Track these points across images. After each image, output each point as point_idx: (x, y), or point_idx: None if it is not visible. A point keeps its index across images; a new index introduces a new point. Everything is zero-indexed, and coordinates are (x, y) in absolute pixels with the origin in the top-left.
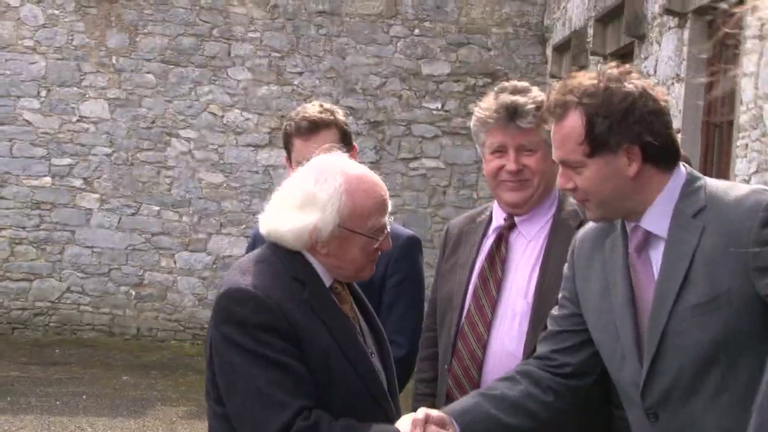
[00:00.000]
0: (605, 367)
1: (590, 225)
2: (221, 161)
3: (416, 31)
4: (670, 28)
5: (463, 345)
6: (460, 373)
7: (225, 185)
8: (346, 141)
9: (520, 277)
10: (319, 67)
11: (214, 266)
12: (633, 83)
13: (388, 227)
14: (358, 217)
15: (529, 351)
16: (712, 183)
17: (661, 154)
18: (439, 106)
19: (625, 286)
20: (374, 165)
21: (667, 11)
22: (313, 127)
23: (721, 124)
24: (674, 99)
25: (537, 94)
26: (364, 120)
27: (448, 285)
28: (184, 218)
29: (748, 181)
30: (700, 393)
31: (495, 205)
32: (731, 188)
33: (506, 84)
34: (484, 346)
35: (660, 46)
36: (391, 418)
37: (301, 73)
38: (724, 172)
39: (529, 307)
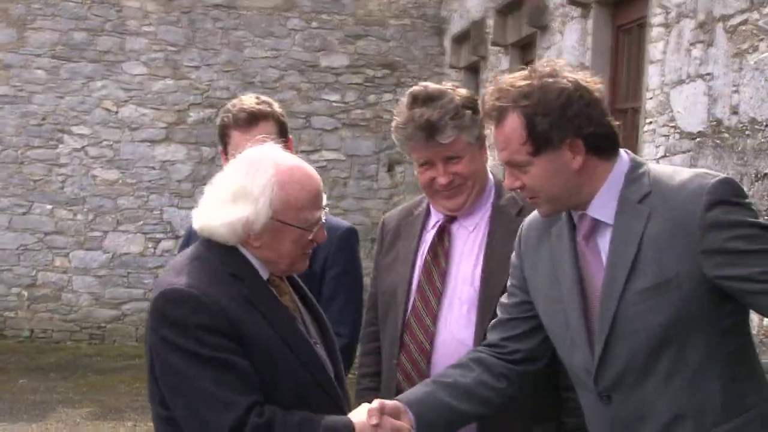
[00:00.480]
0: (554, 350)
1: (535, 213)
2: (116, 157)
3: (313, 23)
4: (573, 18)
5: (411, 338)
6: (409, 367)
7: (121, 182)
8: (282, 133)
9: (464, 266)
10: (217, 60)
11: (111, 264)
12: (566, 77)
13: (323, 219)
14: (291, 210)
15: (480, 337)
16: (656, 168)
17: (603, 143)
18: (339, 98)
19: (574, 273)
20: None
21: (571, 1)
22: (252, 119)
23: (626, 110)
24: None
25: (447, 97)
26: None
27: (389, 279)
28: (79, 216)
29: None
30: (653, 375)
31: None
32: (675, 173)
33: (416, 91)
34: (432, 338)
35: (563, 36)
36: (340, 405)
37: (198, 67)
38: None
39: (476, 294)
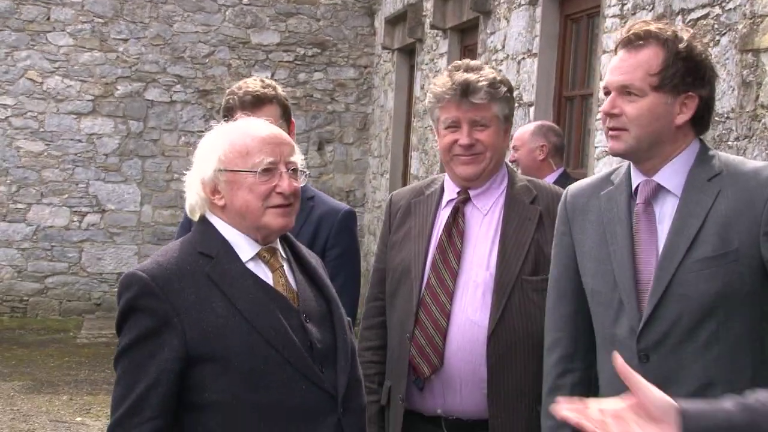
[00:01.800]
0: None
1: (579, 182)
2: (41, 129)
3: (245, 0)
4: (520, 5)
5: (426, 315)
6: (424, 342)
7: (46, 154)
8: (286, 116)
9: (480, 250)
10: (145, 34)
11: (35, 237)
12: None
13: (289, 170)
14: (238, 156)
15: (494, 321)
16: (725, 155)
17: (705, 116)
18: (269, 75)
19: (627, 236)
20: (203, 133)
21: None
22: (257, 102)
23: (574, 96)
24: (526, 74)
25: (488, 71)
26: (192, 89)
27: (401, 255)
28: (1, 188)
29: (607, 152)
30: (693, 341)
31: (445, 178)
32: (745, 161)
33: (459, 62)
34: (448, 316)
35: (509, 22)
36: (318, 383)
37: (126, 40)
38: (576, 144)
39: (491, 278)
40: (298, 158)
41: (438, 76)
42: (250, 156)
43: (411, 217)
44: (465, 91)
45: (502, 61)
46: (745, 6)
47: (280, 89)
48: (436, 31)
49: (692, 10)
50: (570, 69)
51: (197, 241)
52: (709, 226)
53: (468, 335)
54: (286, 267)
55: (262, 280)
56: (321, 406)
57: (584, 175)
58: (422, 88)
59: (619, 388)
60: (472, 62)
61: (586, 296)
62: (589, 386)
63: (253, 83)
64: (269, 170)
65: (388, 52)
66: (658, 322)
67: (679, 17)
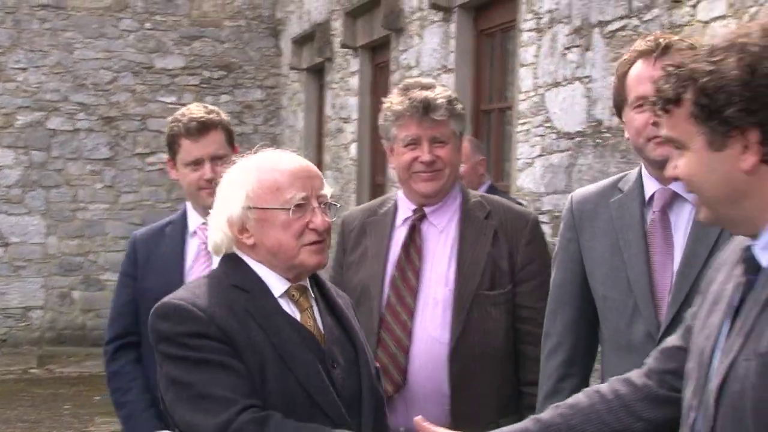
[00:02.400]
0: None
1: (583, 189)
2: None
3: (147, 24)
4: (433, 22)
5: (388, 334)
6: (387, 361)
7: None
8: (230, 141)
9: (438, 266)
10: (45, 62)
11: None
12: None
13: (319, 204)
14: (268, 193)
15: (454, 337)
16: None
17: None
18: (175, 99)
19: (641, 244)
20: (109, 161)
21: (433, 5)
22: (202, 128)
23: (491, 110)
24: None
25: (442, 89)
26: (96, 116)
27: (358, 276)
28: None
29: (531, 164)
30: None
31: (399, 195)
32: None
33: (411, 81)
34: (410, 333)
35: (422, 39)
36: (349, 428)
37: (25, 69)
38: (496, 156)
39: (450, 294)
40: (328, 191)
41: (391, 95)
42: (280, 192)
43: (366, 237)
44: (426, 108)
45: (417, 77)
46: (663, 17)
47: (224, 114)
48: (346, 49)
49: (610, 22)
50: (487, 83)
51: (229, 275)
52: (727, 233)
53: (430, 352)
54: (314, 307)
55: (293, 318)
56: None
57: (507, 188)
58: (333, 107)
59: None
60: (424, 80)
61: (589, 303)
62: None
63: (197, 109)
64: (301, 206)
65: (296, 72)
66: (679, 326)
67: (597, 29)
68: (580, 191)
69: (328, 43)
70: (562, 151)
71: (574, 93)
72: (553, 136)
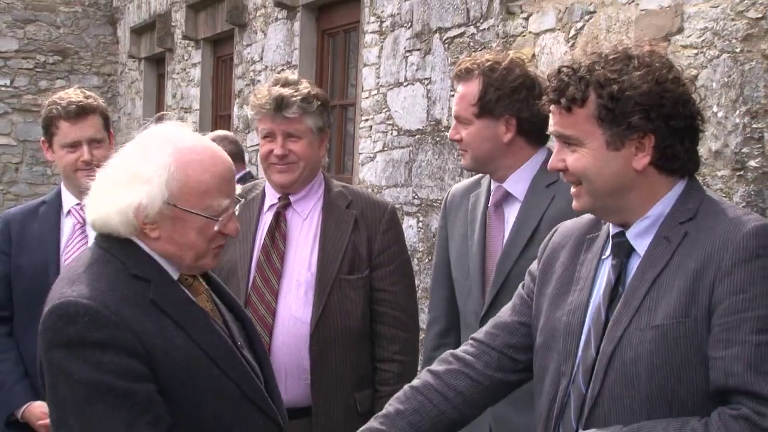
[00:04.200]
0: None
1: (460, 183)
2: None
3: None
4: (277, 19)
5: (253, 312)
6: None
7: None
8: (106, 126)
9: (301, 251)
10: None
11: None
12: (529, 70)
13: (235, 209)
14: (192, 194)
15: (316, 316)
16: None
17: (533, 131)
18: (8, 82)
19: (480, 234)
20: None
21: (277, 3)
22: (81, 111)
23: (334, 107)
24: None
25: (305, 86)
26: None
27: (226, 256)
28: None
29: (373, 158)
30: None
31: (266, 183)
32: None
33: (279, 77)
34: (274, 313)
35: (266, 35)
36: (275, 420)
37: None
38: (338, 150)
39: (313, 277)
40: (238, 190)
41: (259, 89)
42: (206, 196)
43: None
44: (279, 105)
45: (260, 71)
46: (497, 27)
47: (101, 100)
48: (188, 41)
49: (449, 29)
50: (329, 80)
51: (124, 262)
52: (542, 227)
53: (292, 331)
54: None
55: (200, 306)
56: None
57: (349, 180)
58: (174, 96)
59: None
60: (291, 77)
61: None
62: None
63: (75, 94)
64: (221, 213)
65: (134, 61)
66: (498, 307)
67: (437, 35)
68: (457, 185)
69: (169, 34)
70: (402, 148)
71: (415, 93)
72: (395, 133)
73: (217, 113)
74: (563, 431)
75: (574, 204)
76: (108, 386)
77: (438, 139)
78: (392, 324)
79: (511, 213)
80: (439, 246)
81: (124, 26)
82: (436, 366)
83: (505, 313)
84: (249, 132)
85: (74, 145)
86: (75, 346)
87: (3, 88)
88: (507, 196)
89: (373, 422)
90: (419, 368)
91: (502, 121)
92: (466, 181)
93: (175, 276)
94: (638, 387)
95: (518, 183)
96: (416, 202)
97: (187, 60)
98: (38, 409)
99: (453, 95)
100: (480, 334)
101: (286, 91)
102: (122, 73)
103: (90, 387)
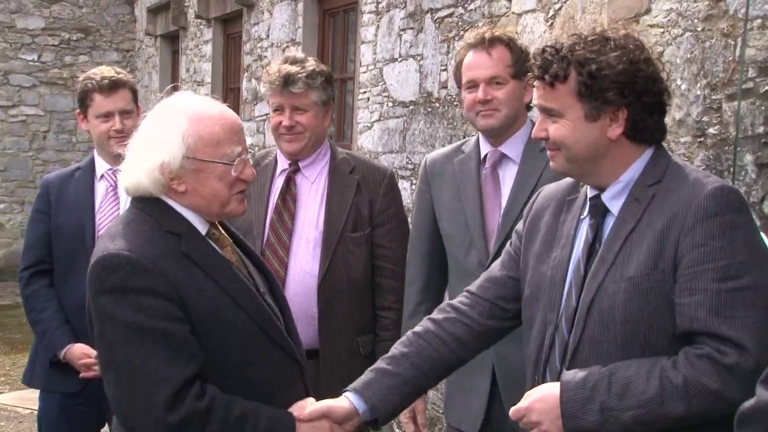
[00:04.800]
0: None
1: (435, 152)
2: None
3: None
4: (282, 0)
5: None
6: None
7: None
8: (135, 99)
9: (310, 212)
10: None
11: None
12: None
13: (247, 156)
14: (208, 145)
15: (323, 270)
16: None
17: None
18: (35, 57)
19: (476, 194)
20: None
21: None
22: (113, 86)
23: (335, 80)
24: None
25: (311, 64)
26: None
27: (243, 217)
28: None
29: (370, 127)
30: None
31: (278, 151)
32: None
33: (288, 55)
34: (286, 267)
35: (272, 15)
36: (295, 357)
37: None
38: (339, 121)
39: (320, 236)
40: (249, 141)
41: (270, 66)
42: (220, 146)
43: (252, 184)
44: (286, 81)
45: (267, 48)
46: (483, 8)
47: (130, 76)
48: (200, 20)
49: (439, 9)
50: (330, 56)
51: (159, 221)
52: (541, 185)
53: (302, 283)
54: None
55: (226, 258)
56: (294, 376)
57: (349, 147)
58: (187, 71)
59: None
60: (298, 55)
61: (439, 240)
62: None
63: (107, 70)
64: (236, 158)
65: (151, 38)
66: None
67: (428, 15)
68: (432, 154)
69: (182, 14)
70: (397, 117)
71: (408, 68)
72: (390, 104)
73: (227, 86)
74: (550, 373)
75: (551, 164)
76: (149, 327)
77: (429, 110)
78: (391, 276)
79: (507, 173)
80: (421, 207)
81: (141, 6)
82: (435, 315)
83: (495, 268)
84: (257, 103)
85: (107, 116)
86: (118, 292)
87: (31, 63)
88: (502, 159)
89: (380, 363)
90: (405, 320)
91: (528, 87)
92: (442, 149)
93: (203, 231)
94: (614, 332)
95: (515, 147)
96: (410, 166)
97: (199, 37)
98: (79, 350)
99: (444, 69)
100: (473, 287)
101: (293, 69)
102: (139, 50)
103: (132, 328)
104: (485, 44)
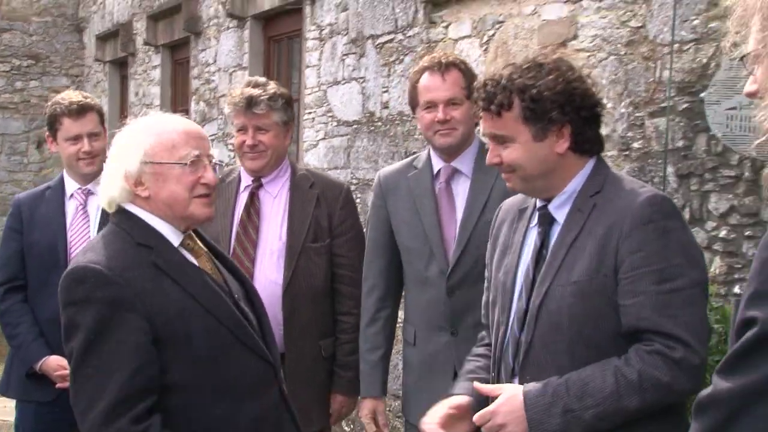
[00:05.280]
0: None
1: (387, 168)
2: None
3: None
4: (228, 28)
5: None
6: None
7: None
8: (102, 121)
9: (273, 225)
10: None
11: None
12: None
13: (212, 161)
14: (164, 149)
15: (287, 279)
16: None
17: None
18: None
19: (433, 207)
20: None
21: (229, 15)
22: (81, 110)
23: None
24: (238, 83)
25: (272, 87)
26: None
27: (210, 230)
28: None
29: (316, 145)
30: (480, 281)
31: (241, 168)
32: None
33: (251, 79)
34: (252, 276)
35: (219, 41)
36: (265, 357)
37: None
38: None
39: (283, 246)
40: (215, 153)
41: (234, 90)
42: (176, 149)
43: (216, 199)
44: (249, 103)
45: (214, 72)
46: (422, 34)
47: (97, 101)
48: (148, 46)
49: (380, 35)
50: (274, 79)
51: (131, 233)
52: (493, 197)
53: (267, 291)
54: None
55: (198, 267)
56: (267, 378)
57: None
58: (136, 94)
59: (422, 314)
60: (260, 79)
61: (395, 253)
62: (395, 320)
63: (75, 95)
64: (194, 162)
65: (99, 64)
66: (461, 268)
67: (370, 41)
68: (385, 170)
69: (131, 41)
70: (342, 136)
71: (351, 90)
72: (335, 123)
73: (176, 108)
74: (504, 370)
75: (508, 185)
76: (107, 338)
77: (372, 128)
78: (349, 283)
79: (460, 187)
80: (377, 221)
81: (90, 34)
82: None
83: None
84: (205, 124)
85: (76, 138)
86: (83, 302)
87: None
88: (454, 174)
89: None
90: (363, 328)
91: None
92: (394, 165)
93: (176, 242)
94: (562, 333)
95: (466, 163)
96: (354, 181)
97: (147, 63)
98: (54, 362)
99: (385, 91)
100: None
101: (256, 92)
102: (89, 75)
103: (91, 338)
104: (441, 68)
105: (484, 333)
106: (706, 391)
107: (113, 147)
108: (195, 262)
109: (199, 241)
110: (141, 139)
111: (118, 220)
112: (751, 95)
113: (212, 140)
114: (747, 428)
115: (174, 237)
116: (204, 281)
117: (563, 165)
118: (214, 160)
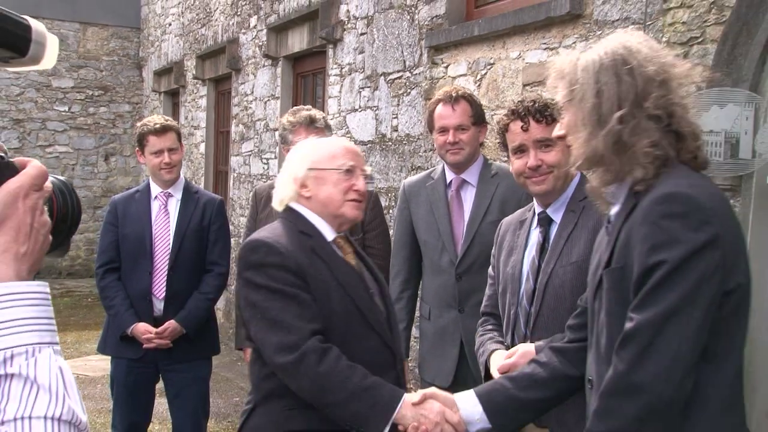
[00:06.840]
0: None
1: (410, 178)
2: None
3: None
4: (264, 66)
5: None
6: None
7: None
8: (179, 139)
9: None
10: None
11: None
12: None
13: (365, 174)
14: (325, 159)
15: None
16: (497, 163)
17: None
18: (67, 108)
19: (445, 210)
20: (18, 150)
21: (265, 56)
22: (163, 129)
23: None
24: (272, 110)
25: (315, 111)
26: (8, 118)
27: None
28: None
29: None
30: (484, 268)
31: None
32: (506, 166)
33: (296, 107)
34: None
35: (256, 77)
36: (388, 343)
37: None
38: None
39: None
40: (368, 169)
41: (285, 116)
42: (335, 158)
43: (270, 201)
44: (311, 121)
45: (252, 101)
46: (426, 72)
47: (175, 122)
48: (196, 80)
49: (391, 73)
50: None
51: (295, 223)
52: (494, 202)
53: None
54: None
55: (344, 258)
56: (389, 362)
57: None
58: (186, 118)
59: (435, 295)
60: (304, 106)
61: (416, 245)
62: (416, 299)
63: (158, 118)
64: (350, 171)
65: (156, 94)
66: (468, 258)
67: (382, 77)
68: (408, 180)
69: (182, 75)
70: None
71: (367, 116)
72: (353, 142)
73: (218, 130)
74: (517, 336)
75: (542, 188)
76: (281, 290)
77: (384, 147)
78: (380, 269)
79: (467, 194)
80: (402, 220)
81: (148, 70)
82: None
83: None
84: (244, 142)
85: (159, 152)
86: (258, 266)
87: (63, 113)
88: (463, 183)
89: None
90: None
91: (480, 129)
92: (416, 176)
93: (331, 237)
94: (564, 302)
95: (472, 175)
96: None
97: (196, 93)
98: (142, 328)
99: (395, 117)
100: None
101: (312, 113)
102: (146, 103)
103: (269, 291)
104: (452, 100)
105: (483, 318)
106: (629, 324)
107: (287, 160)
108: (342, 256)
109: (348, 244)
110: (309, 151)
111: (285, 215)
112: (560, 138)
113: (248, 155)
114: (664, 347)
115: (328, 232)
116: (348, 270)
117: (569, 174)
118: (368, 174)
